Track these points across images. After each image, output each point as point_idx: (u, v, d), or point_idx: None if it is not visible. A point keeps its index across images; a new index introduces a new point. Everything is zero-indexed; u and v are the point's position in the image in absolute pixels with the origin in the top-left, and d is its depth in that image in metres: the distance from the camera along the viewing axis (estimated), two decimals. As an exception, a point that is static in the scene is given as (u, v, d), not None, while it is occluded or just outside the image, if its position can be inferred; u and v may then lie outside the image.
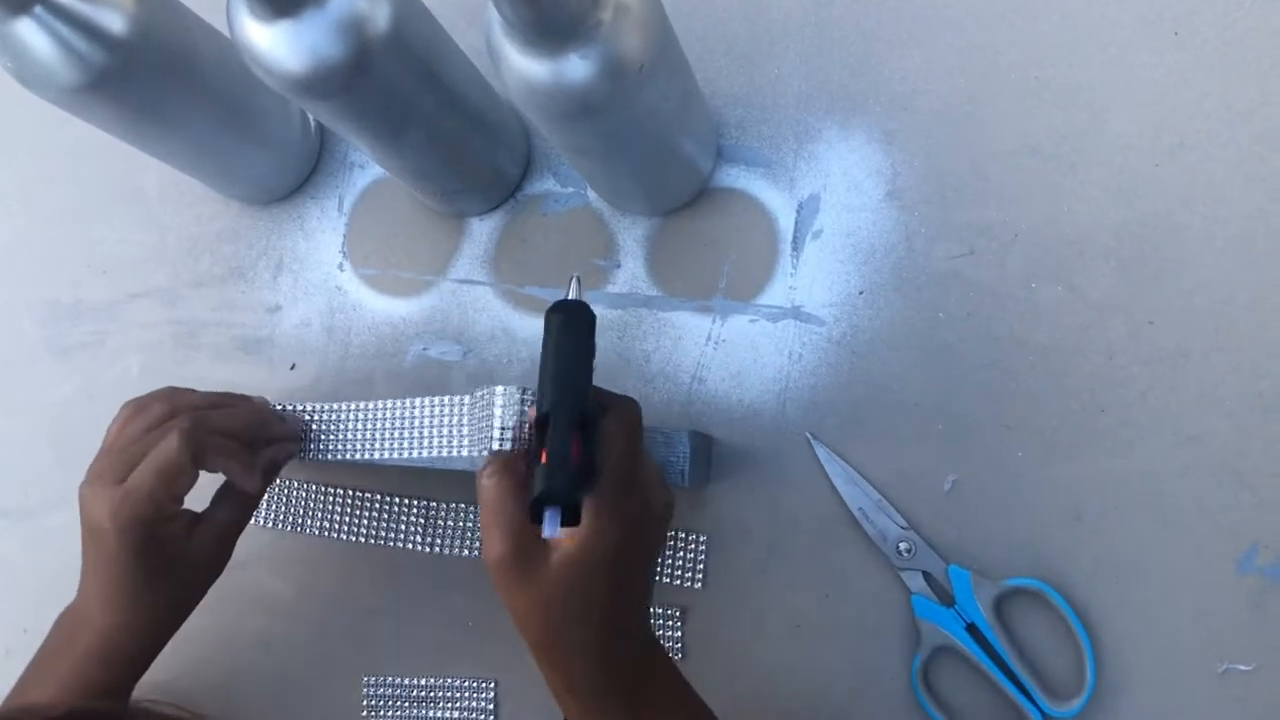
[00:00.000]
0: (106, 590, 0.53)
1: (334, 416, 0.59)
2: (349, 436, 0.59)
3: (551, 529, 0.44)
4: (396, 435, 0.57)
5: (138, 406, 0.56)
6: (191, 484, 0.53)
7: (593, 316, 0.48)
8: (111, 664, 0.55)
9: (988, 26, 0.62)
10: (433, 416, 0.56)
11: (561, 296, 0.49)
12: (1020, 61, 0.62)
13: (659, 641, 0.53)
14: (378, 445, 0.58)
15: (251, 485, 0.56)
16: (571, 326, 0.48)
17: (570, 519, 0.45)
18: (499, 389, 0.50)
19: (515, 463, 0.48)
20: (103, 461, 0.54)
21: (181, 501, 0.54)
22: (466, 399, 0.55)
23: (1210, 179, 0.59)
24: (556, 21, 0.44)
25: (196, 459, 0.53)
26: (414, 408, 0.57)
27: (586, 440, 0.47)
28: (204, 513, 0.56)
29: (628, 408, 0.49)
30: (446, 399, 0.56)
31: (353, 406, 0.59)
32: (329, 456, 0.59)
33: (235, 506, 0.57)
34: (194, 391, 0.59)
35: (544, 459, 0.45)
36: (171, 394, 0.58)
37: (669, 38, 0.50)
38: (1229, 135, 0.59)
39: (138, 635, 0.55)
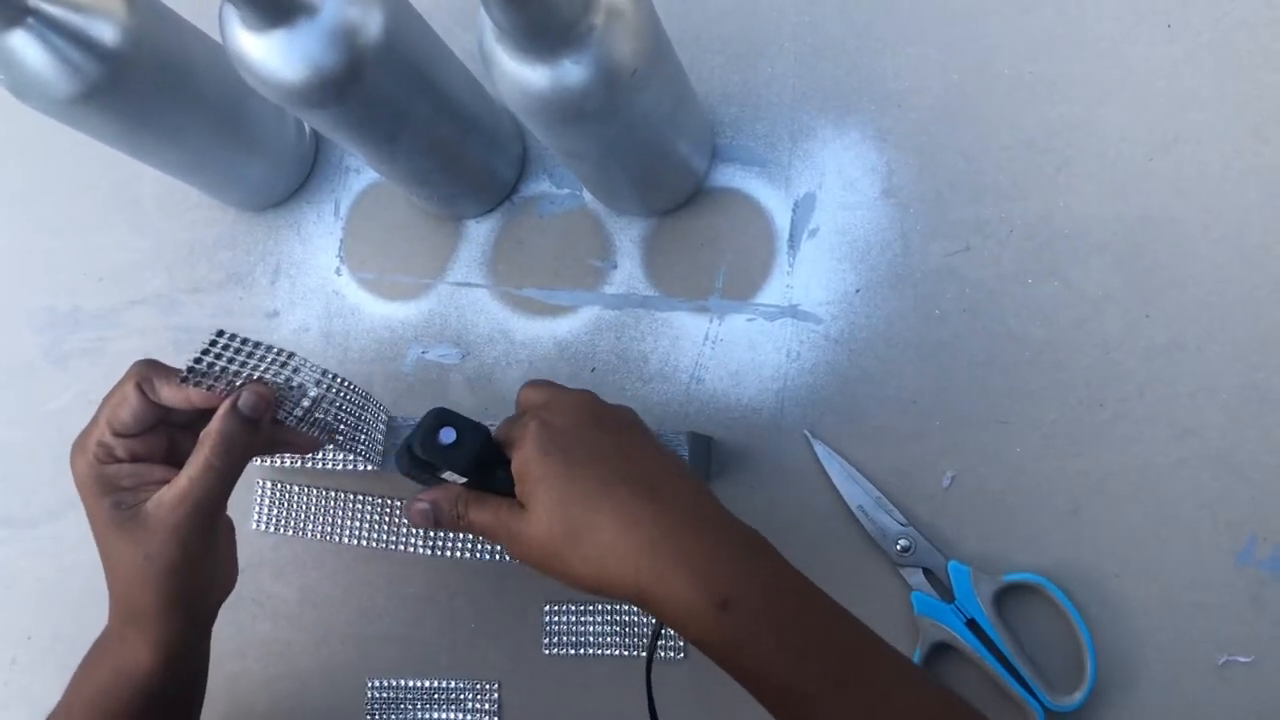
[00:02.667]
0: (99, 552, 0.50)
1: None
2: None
3: (448, 435, 0.48)
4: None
5: None
6: (137, 419, 0.48)
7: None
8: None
9: (980, 22, 0.62)
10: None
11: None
12: (1013, 56, 0.62)
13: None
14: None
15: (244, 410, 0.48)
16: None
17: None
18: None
19: (436, 491, 0.50)
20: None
21: (128, 444, 0.49)
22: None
23: (1205, 172, 0.59)
24: (549, 27, 0.44)
25: (142, 383, 0.48)
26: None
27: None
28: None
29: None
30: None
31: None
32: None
33: (197, 469, 0.48)
34: None
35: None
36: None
37: (662, 41, 0.50)
38: (1223, 128, 0.59)
39: (117, 613, 0.50)
